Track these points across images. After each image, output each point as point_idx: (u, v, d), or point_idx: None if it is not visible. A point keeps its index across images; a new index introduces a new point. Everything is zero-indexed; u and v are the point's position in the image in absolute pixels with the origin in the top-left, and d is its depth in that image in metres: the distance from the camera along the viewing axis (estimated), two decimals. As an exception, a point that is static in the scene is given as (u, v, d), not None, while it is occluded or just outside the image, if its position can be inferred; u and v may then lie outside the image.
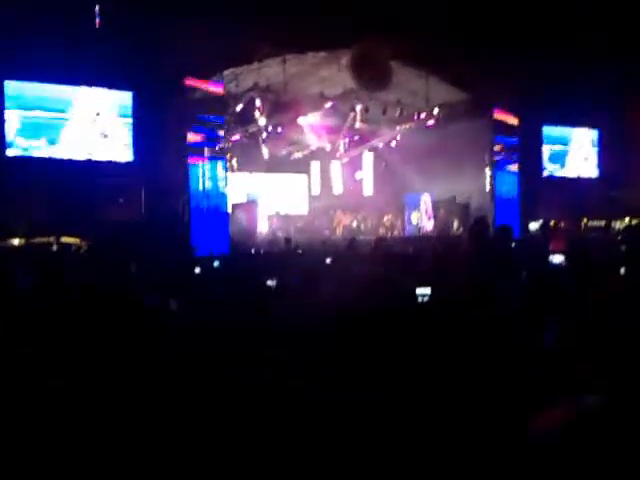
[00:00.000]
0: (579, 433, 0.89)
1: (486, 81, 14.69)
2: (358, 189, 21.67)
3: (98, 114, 12.27)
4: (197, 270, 5.43)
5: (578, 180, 18.25)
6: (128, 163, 12.47)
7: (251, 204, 16.69)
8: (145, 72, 11.53)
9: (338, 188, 21.72)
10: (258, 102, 14.68)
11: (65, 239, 11.11)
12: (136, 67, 11.51)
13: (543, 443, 0.96)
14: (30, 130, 11.67)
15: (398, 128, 18.36)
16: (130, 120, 12.52)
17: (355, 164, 21.57)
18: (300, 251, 8.75)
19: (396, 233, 18.82)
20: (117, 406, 1.74)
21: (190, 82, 12.30)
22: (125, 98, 12.49)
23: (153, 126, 12.11)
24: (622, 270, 5.29)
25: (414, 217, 19.43)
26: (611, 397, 0.92)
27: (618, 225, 16.55)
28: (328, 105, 15.94)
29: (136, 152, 12.48)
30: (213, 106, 12.92)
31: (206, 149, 12.97)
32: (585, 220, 17.22)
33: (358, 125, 17.83)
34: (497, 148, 16.69)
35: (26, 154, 11.55)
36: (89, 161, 12.09)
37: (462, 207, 17.63)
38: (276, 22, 11.52)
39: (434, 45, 13.41)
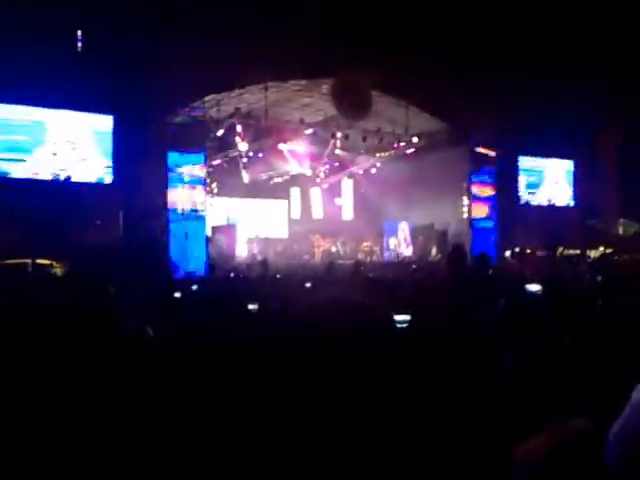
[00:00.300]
0: (565, 458, 0.88)
1: (464, 112, 14.98)
2: (338, 215, 21.81)
3: (78, 137, 12.23)
4: (177, 294, 5.40)
5: (554, 209, 18.57)
6: (107, 185, 12.41)
7: (230, 227, 16.69)
8: (126, 96, 11.53)
9: (318, 213, 21.85)
10: (239, 128, 14.78)
11: (41, 261, 10.96)
12: (118, 91, 11.52)
13: (529, 472, 0.95)
14: (8, 151, 11.57)
15: (378, 156, 18.58)
16: (110, 143, 12.50)
17: (335, 190, 21.74)
18: (279, 275, 8.73)
19: (375, 258, 18.91)
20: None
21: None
22: (106, 121, 12.47)
23: (133, 149, 12.08)
24: (598, 299, 5.39)
25: (392, 243, 19.58)
26: (596, 420, 0.91)
27: (593, 254, 16.83)
28: (309, 132, 16.09)
29: (116, 174, 12.43)
30: (194, 131, 12.99)
31: (186, 173, 12.99)
32: (561, 249, 17.49)
33: (338, 152, 18.00)
34: (474, 176, 16.97)
35: (3, 175, 11.42)
36: (68, 183, 12.00)
37: (440, 234, 17.83)
38: (258, 50, 11.65)
39: (414, 76, 13.67)
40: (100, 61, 11.09)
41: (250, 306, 4.20)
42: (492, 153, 16.82)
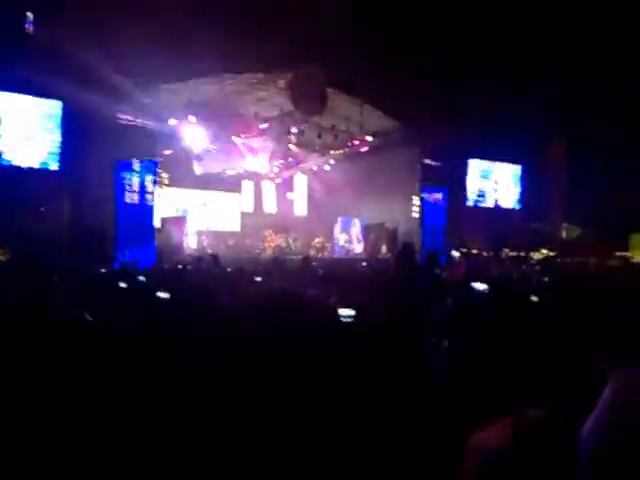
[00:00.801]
0: (527, 445, 0.85)
1: (417, 112, 15.19)
2: (290, 210, 21.79)
3: (24, 121, 11.81)
4: (122, 284, 5.29)
5: (501, 211, 19.07)
6: (54, 172, 12.04)
7: (180, 219, 16.43)
8: (77, 82, 11.20)
9: (270, 208, 21.76)
10: (193, 119, 14.55)
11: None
12: (68, 77, 11.17)
13: (487, 461, 0.90)
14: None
15: (332, 153, 18.65)
16: (59, 129, 12.12)
17: (288, 185, 21.71)
18: (229, 269, 8.65)
19: (326, 255, 18.99)
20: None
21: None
22: (54, 107, 12.09)
23: (82, 136, 11.76)
24: (536, 298, 5.59)
25: (343, 240, 19.71)
26: (552, 410, 0.90)
27: (537, 256, 17.39)
28: (264, 126, 16.00)
29: (62, 161, 12.08)
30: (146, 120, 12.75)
31: (135, 162, 12.73)
32: (506, 250, 17.98)
33: (292, 147, 17.97)
34: (425, 177, 17.26)
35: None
36: (11, 167, 11.59)
37: (390, 232, 18.06)
38: (215, 42, 11.49)
39: (369, 74, 13.77)
40: (51, 45, 10.74)
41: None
42: (442, 150, 17.14)
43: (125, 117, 12.54)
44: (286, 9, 11.73)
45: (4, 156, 11.61)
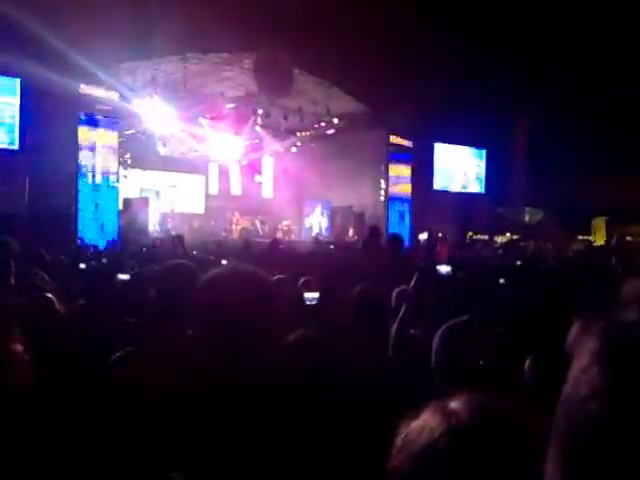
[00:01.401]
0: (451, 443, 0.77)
1: (384, 96, 15.18)
2: (257, 192, 21.63)
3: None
4: (82, 265, 5.19)
5: (465, 195, 19.29)
6: (13, 151, 11.67)
7: (143, 200, 16.14)
8: (35, 59, 10.82)
9: (236, 190, 21.56)
10: (156, 97, 14.24)
11: None
12: (26, 53, 10.79)
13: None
14: None
15: (298, 135, 18.54)
16: (17, 107, 11.72)
17: (255, 167, 21.52)
18: (195, 252, 8.54)
19: (293, 237, 18.96)
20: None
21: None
22: (12, 84, 11.68)
23: (42, 115, 11.40)
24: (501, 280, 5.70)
25: (310, 223, 19.71)
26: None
27: (500, 239, 17.69)
28: (229, 106, 15.79)
29: (22, 140, 11.70)
30: (106, 99, 12.44)
31: (97, 142, 12.44)
32: (470, 233, 18.24)
33: (259, 129, 17.79)
34: (392, 160, 17.31)
35: None
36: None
37: (357, 215, 18.13)
38: (178, 19, 11.24)
39: (335, 56, 13.68)
40: (7, 23, 10.33)
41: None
42: (408, 137, 17.21)
43: (86, 94, 12.18)
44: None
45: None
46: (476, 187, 19.90)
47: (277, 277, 3.91)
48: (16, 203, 11.31)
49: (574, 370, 0.55)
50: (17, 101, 11.70)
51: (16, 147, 11.72)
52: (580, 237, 17.49)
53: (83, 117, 12.25)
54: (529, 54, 15.06)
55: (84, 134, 12.35)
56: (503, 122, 17.74)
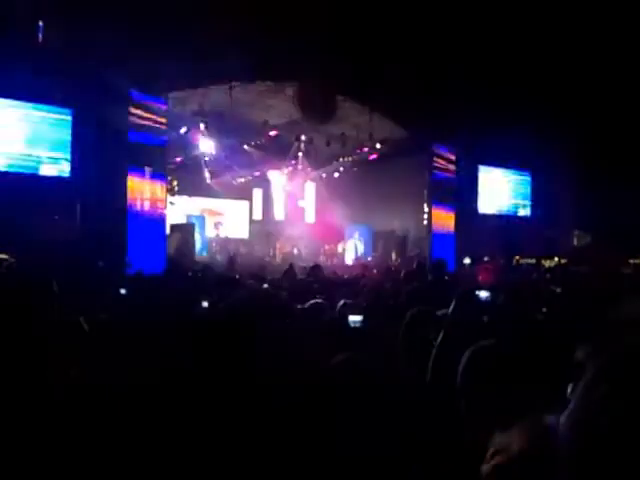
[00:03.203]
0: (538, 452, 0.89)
1: (426, 120, 15.21)
2: (300, 217, 21.82)
3: (36, 129, 11.92)
4: (123, 291, 5.32)
5: (511, 218, 18.98)
6: (65, 179, 12.13)
7: (189, 226, 16.49)
8: (88, 90, 11.31)
9: (280, 215, 21.81)
10: (202, 126, 14.64)
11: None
12: (79, 84, 11.29)
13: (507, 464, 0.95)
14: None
15: (341, 160, 18.68)
16: (69, 136, 12.21)
17: (298, 192, 21.75)
18: (237, 276, 8.67)
19: (336, 261, 18.99)
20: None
21: (134, 103, 12.22)
22: (65, 114, 12.19)
23: (93, 144, 11.85)
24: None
25: (352, 246, 19.72)
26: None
27: (548, 263, 17.28)
28: (273, 134, 16.07)
29: (74, 169, 12.16)
30: (156, 128, 12.82)
31: (147, 169, 12.82)
32: (517, 257, 17.89)
33: (301, 155, 18.03)
34: (435, 185, 17.23)
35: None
36: (24, 175, 11.69)
37: (400, 239, 18.05)
38: (225, 49, 11.59)
39: (378, 82, 13.81)
40: (61, 53, 10.85)
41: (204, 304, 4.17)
42: (452, 160, 17.13)
43: (135, 124, 12.61)
44: (295, 16, 11.81)
45: (17, 164, 11.71)
46: (522, 210, 19.58)
47: (314, 301, 3.94)
48: (68, 231, 11.70)
49: (583, 386, 0.57)
50: (69, 131, 12.17)
51: (67, 176, 12.17)
52: (632, 261, 16.92)
53: (133, 146, 12.61)
54: (576, 75, 14.86)
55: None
56: (550, 143, 17.46)
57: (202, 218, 19.02)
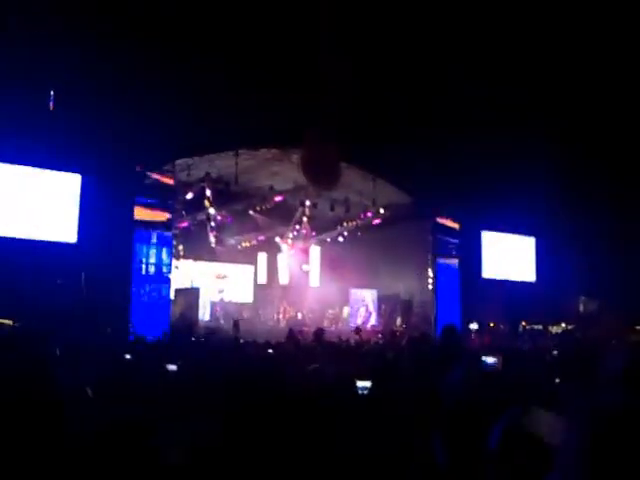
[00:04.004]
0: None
1: (429, 186, 15.43)
2: (304, 281, 21.79)
3: (44, 195, 12.11)
4: (128, 356, 5.28)
5: (516, 283, 18.89)
6: (72, 245, 12.21)
7: (194, 290, 16.48)
8: (96, 156, 11.58)
9: (284, 279, 21.79)
10: (208, 192, 14.89)
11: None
12: (87, 151, 11.57)
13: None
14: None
15: (345, 225, 18.85)
16: (77, 202, 12.38)
17: (302, 256, 21.81)
18: (242, 340, 8.61)
19: (340, 326, 18.82)
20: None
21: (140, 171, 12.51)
22: (73, 181, 12.39)
23: (100, 210, 12.01)
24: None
25: (356, 311, 19.59)
26: None
27: (555, 329, 17.08)
28: (278, 199, 16.30)
29: (81, 234, 12.26)
30: (162, 194, 13.04)
31: (153, 235, 12.94)
32: (524, 323, 17.71)
33: (306, 220, 18.21)
34: (438, 249, 17.29)
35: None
36: (30, 241, 11.78)
37: (405, 303, 17.95)
38: (230, 117, 11.93)
39: (380, 151, 14.11)
40: (70, 121, 11.18)
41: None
42: (455, 225, 17.25)
43: (143, 188, 12.82)
44: (299, 85, 12.20)
45: (23, 229, 11.83)
46: (527, 275, 19.52)
47: (313, 367, 3.89)
48: (73, 295, 11.68)
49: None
50: (77, 197, 12.32)
51: (74, 241, 12.24)
52: (638, 327, 16.69)
53: (139, 212, 12.77)
54: (578, 140, 15.14)
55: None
56: (554, 209, 17.58)
57: (206, 282, 18.98)
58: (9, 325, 10.24)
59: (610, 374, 2.07)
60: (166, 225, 13.27)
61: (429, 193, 16.03)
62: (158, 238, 13.10)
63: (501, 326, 17.32)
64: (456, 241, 17.47)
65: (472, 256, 17.91)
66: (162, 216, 13.14)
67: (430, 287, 17.49)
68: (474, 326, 16.98)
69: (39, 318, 9.67)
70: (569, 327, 17.06)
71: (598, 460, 0.79)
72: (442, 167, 14.86)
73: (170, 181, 13.14)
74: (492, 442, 2.44)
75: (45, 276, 11.04)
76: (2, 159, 11.60)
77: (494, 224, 18.21)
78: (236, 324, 8.36)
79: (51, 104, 11.74)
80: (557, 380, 5.26)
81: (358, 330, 12.95)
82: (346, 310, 19.97)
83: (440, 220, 17.16)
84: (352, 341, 11.10)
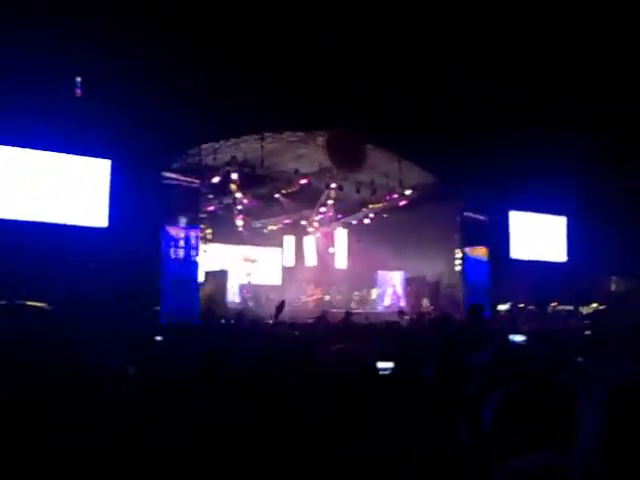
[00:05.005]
0: None
1: (456, 166, 15.25)
2: (331, 263, 21.85)
3: (75, 180, 12.35)
4: (159, 338, 5.40)
5: (546, 264, 18.65)
6: (102, 229, 12.46)
7: (222, 273, 16.65)
8: (124, 142, 11.75)
9: (311, 261, 21.89)
10: (234, 176, 14.96)
11: (31, 303, 10.90)
12: (115, 136, 11.73)
13: None
14: (6, 194, 11.67)
15: (371, 207, 18.79)
16: (107, 187, 12.60)
17: (329, 239, 21.85)
18: (270, 321, 8.70)
19: (367, 308, 18.86)
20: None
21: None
22: (103, 166, 12.62)
23: (129, 194, 12.21)
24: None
25: (385, 293, 19.59)
26: None
27: (585, 310, 16.85)
28: (303, 182, 16.31)
29: (111, 218, 12.50)
30: (190, 177, 13.19)
31: (181, 218, 13.10)
32: (554, 304, 17.51)
33: (331, 202, 18.20)
34: (466, 230, 17.15)
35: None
36: (62, 225, 12.05)
37: (432, 285, 17.89)
38: (256, 101, 11.95)
39: (405, 131, 13.99)
40: (99, 106, 11.34)
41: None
42: (483, 205, 17.07)
43: (170, 176, 12.98)
44: (324, 67, 12.15)
45: (54, 214, 12.10)
46: (557, 255, 19.25)
47: (337, 347, 3.95)
48: (105, 278, 11.92)
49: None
50: (107, 182, 12.57)
51: (105, 225, 12.50)
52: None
53: (168, 196, 12.93)
54: (610, 117, 14.79)
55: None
56: (584, 187, 17.25)
57: (234, 265, 19.15)
58: (43, 308, 10.55)
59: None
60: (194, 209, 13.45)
61: (456, 173, 15.85)
62: (187, 222, 13.26)
63: (530, 307, 17.16)
64: (484, 221, 17.30)
65: (501, 237, 17.72)
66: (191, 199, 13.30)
67: (458, 268, 17.39)
68: (503, 307, 16.86)
69: (71, 301, 9.92)
70: (600, 307, 16.82)
71: (615, 426, 0.79)
72: (469, 147, 14.67)
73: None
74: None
75: (77, 260, 11.30)
76: (34, 146, 11.86)
77: (523, 204, 17.96)
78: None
79: (78, 90, 11.91)
80: (583, 357, 5.25)
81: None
82: (374, 292, 19.96)
83: (467, 201, 16.99)
84: (377, 323, 11.14)
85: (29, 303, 10.80)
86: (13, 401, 2.21)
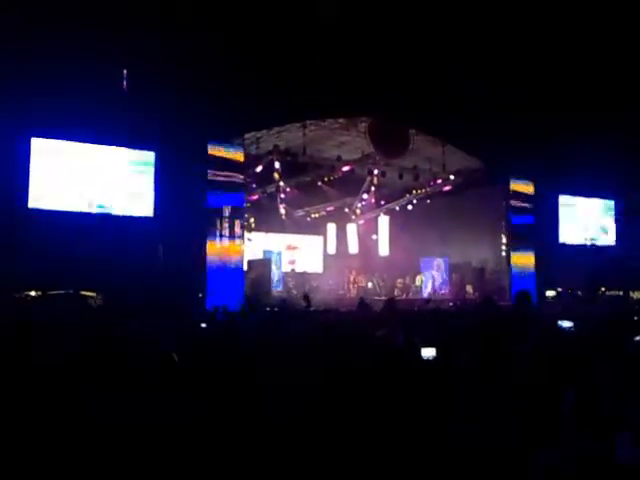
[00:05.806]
0: None
1: (502, 151, 14.97)
2: (373, 250, 21.77)
3: (122, 172, 12.67)
4: (203, 325, 5.53)
5: (595, 248, 18.19)
6: (148, 218, 12.75)
7: (266, 261, 16.84)
8: (169, 133, 11.98)
9: (354, 248, 21.88)
10: (277, 164, 15.05)
11: (84, 292, 11.30)
12: (160, 128, 11.97)
13: None
14: (57, 185, 12.06)
15: (414, 193, 18.62)
16: (152, 178, 12.89)
17: (371, 226, 21.77)
18: (313, 308, 8.79)
19: (410, 295, 18.76)
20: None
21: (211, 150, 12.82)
22: (148, 157, 12.90)
23: (174, 184, 12.46)
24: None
25: (428, 280, 19.43)
26: None
27: (636, 295, 16.39)
28: (346, 169, 16.28)
29: (157, 208, 12.78)
30: (233, 168, 13.32)
31: (225, 208, 13.28)
32: (603, 289, 17.10)
33: (374, 189, 18.11)
34: (512, 215, 16.83)
35: (48, 207, 11.85)
36: (110, 215, 12.40)
37: (477, 271, 17.65)
38: (298, 89, 11.98)
39: (449, 116, 13.78)
40: (144, 99, 11.58)
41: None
42: (530, 189, 16.72)
43: (215, 161, 13.13)
44: (364, 53, 12.08)
45: (102, 205, 12.46)
46: (606, 240, 18.73)
47: (381, 333, 3.97)
48: (151, 267, 12.23)
49: None
50: (152, 172, 12.87)
51: (151, 215, 12.80)
52: None
53: (212, 185, 13.11)
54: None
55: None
56: (634, 171, 16.71)
57: (278, 253, 19.37)
58: (92, 297, 10.91)
59: None
60: (238, 198, 13.61)
61: (501, 157, 15.56)
62: (231, 211, 13.44)
63: (579, 292, 16.79)
64: (531, 206, 16.95)
65: (548, 221, 17.35)
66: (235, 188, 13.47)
67: (503, 254, 17.11)
68: (551, 293, 16.55)
69: (120, 290, 10.22)
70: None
71: None
72: (516, 130, 14.36)
73: (240, 156, 13.42)
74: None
75: (125, 249, 11.61)
76: (77, 138, 12.20)
77: (571, 187, 17.52)
78: (306, 298, 8.41)
79: (124, 84, 12.19)
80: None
81: (428, 301, 12.88)
82: (419, 278, 19.82)
83: (513, 185, 16.68)
84: (423, 310, 11.09)
85: (83, 293, 11.21)
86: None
